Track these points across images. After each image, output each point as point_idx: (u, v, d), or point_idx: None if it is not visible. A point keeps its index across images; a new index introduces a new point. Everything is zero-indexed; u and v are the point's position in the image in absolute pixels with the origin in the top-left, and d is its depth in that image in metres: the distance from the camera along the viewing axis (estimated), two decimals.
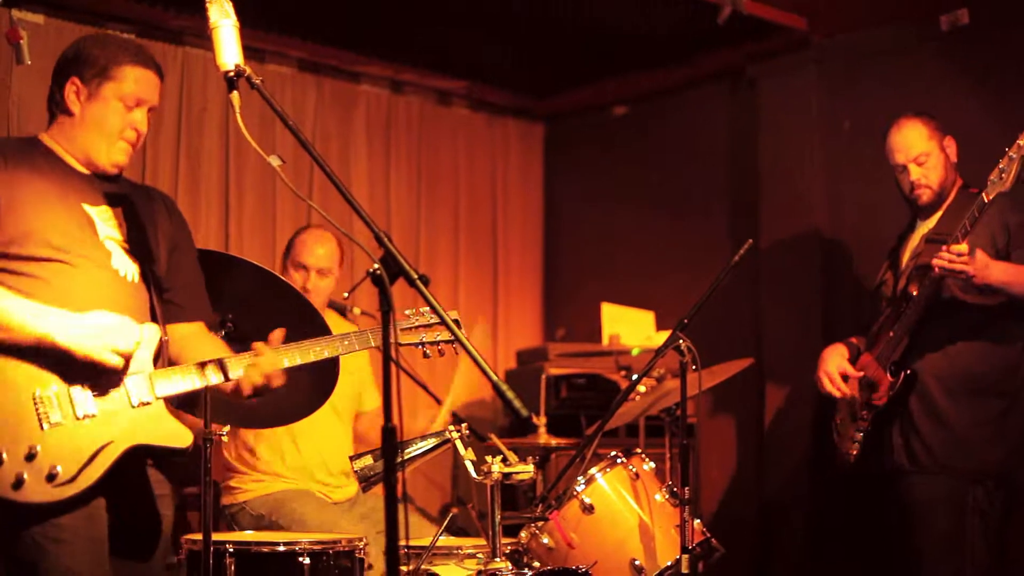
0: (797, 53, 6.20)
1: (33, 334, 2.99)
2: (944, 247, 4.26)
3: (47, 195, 3.19)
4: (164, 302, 3.37)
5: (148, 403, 3.14)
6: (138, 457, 3.15)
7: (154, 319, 3.28)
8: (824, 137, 6.15)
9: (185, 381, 3.21)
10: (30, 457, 2.95)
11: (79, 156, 3.30)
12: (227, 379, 3.24)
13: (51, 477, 2.96)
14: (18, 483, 2.93)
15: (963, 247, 4.20)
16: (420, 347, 3.57)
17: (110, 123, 3.28)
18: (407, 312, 3.59)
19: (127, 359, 3.08)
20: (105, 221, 3.27)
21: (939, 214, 4.62)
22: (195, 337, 3.43)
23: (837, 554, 5.82)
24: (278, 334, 3.34)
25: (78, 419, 3.03)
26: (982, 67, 5.54)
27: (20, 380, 3.00)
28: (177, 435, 3.20)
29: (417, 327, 3.58)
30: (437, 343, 3.58)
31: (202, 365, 3.22)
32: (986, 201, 4.16)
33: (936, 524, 4.44)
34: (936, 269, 4.28)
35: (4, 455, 2.93)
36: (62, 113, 3.31)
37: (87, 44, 3.33)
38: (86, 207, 3.25)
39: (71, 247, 3.16)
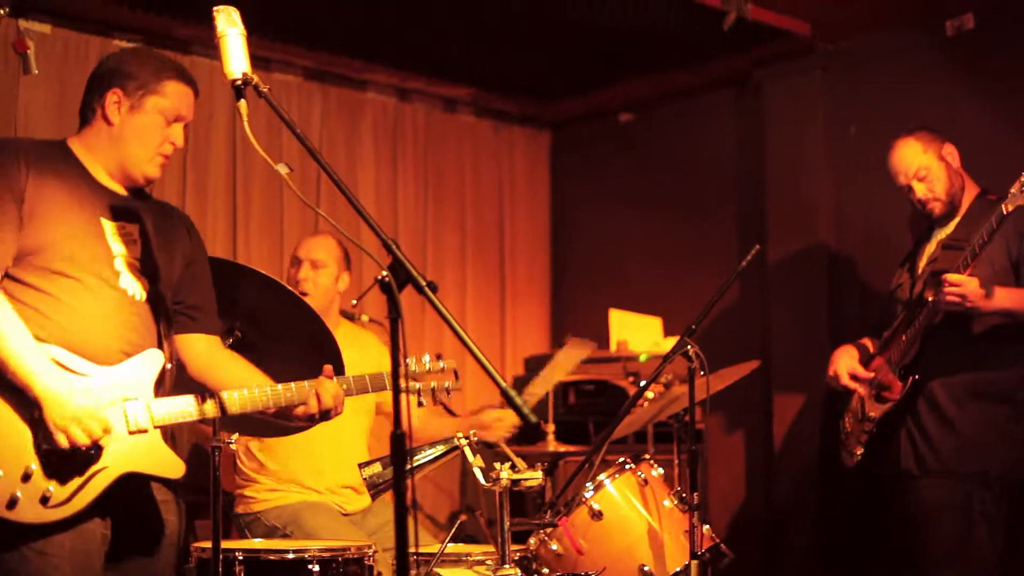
0: (802, 59, 6.20)
1: (21, 379, 2.98)
2: (943, 278, 4.27)
3: (68, 206, 3.18)
4: (176, 313, 3.36)
5: (144, 431, 3.13)
6: (132, 482, 3.14)
7: (159, 343, 3.27)
8: (830, 142, 6.16)
9: (183, 412, 3.19)
10: (26, 477, 2.95)
11: (111, 167, 3.28)
12: (224, 414, 3.23)
13: (44, 499, 2.96)
14: (12, 503, 2.92)
15: (962, 277, 4.22)
16: (416, 394, 3.59)
17: (150, 136, 3.28)
18: (407, 360, 3.58)
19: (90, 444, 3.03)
20: (119, 238, 3.25)
21: (956, 220, 4.60)
22: (218, 354, 3.43)
23: (845, 558, 5.81)
24: (328, 371, 3.35)
25: None
26: (988, 72, 5.53)
27: (20, 397, 2.99)
28: (170, 465, 3.20)
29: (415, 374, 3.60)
30: (433, 390, 3.61)
31: (202, 398, 3.21)
32: (1005, 213, 4.14)
33: (943, 528, 4.43)
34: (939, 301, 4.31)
35: (0, 472, 2.92)
36: (98, 122, 3.28)
37: (130, 58, 3.34)
38: (103, 221, 3.24)
39: (85, 263, 3.15)
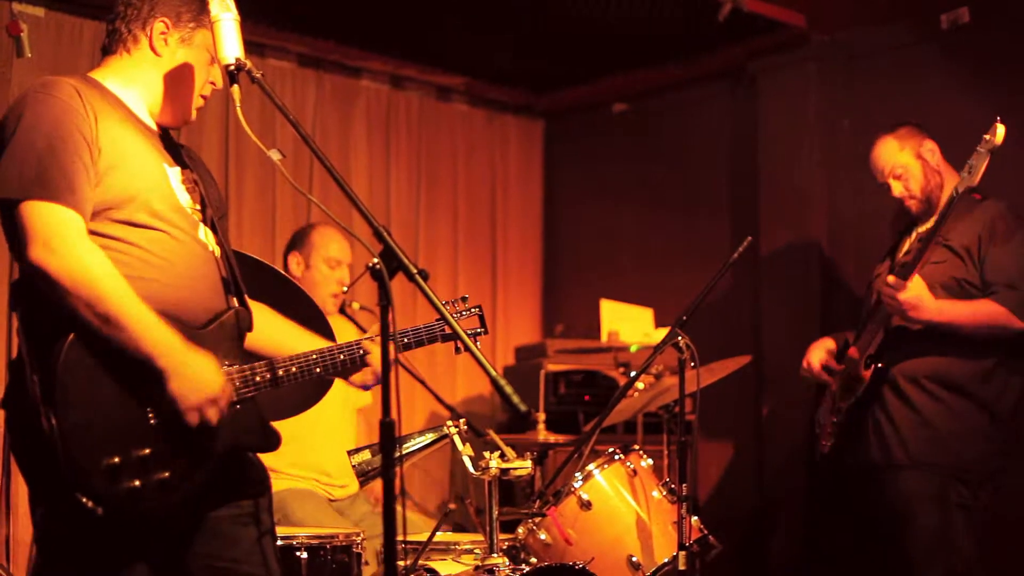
0: (796, 51, 6.20)
1: (143, 352, 2.73)
2: (886, 278, 4.31)
3: (137, 153, 2.93)
4: None
5: (240, 401, 2.96)
6: (234, 455, 2.97)
7: (227, 300, 3.04)
8: (823, 135, 6.15)
9: (256, 380, 3.01)
10: (144, 464, 2.72)
11: (153, 103, 3.06)
12: (275, 382, 3.03)
13: (163, 484, 2.75)
14: (135, 494, 2.71)
15: (892, 279, 4.24)
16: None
17: (198, 73, 3.09)
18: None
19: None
20: (183, 185, 3.05)
21: (936, 216, 4.62)
22: (274, 319, 3.25)
23: (834, 550, 5.82)
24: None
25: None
26: (983, 66, 5.53)
27: (135, 373, 2.75)
28: (268, 437, 3.05)
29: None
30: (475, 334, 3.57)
31: (253, 367, 3.01)
32: (955, 194, 4.18)
33: (920, 519, 4.42)
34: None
35: (117, 460, 2.69)
36: (141, 52, 3.05)
37: None
38: (166, 167, 3.02)
39: (167, 214, 2.93)
